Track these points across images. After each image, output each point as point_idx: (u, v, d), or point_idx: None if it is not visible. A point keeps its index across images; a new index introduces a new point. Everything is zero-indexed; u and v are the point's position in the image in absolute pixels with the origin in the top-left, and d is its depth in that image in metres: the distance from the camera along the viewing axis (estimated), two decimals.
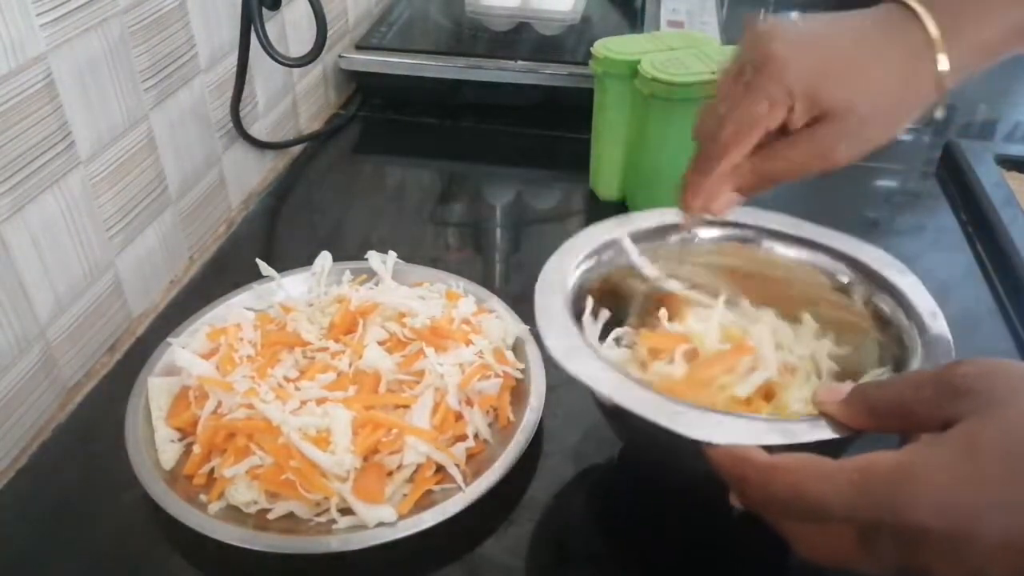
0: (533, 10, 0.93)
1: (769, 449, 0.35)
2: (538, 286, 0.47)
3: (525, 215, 0.81)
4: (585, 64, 0.74)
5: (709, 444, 0.36)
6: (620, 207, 0.77)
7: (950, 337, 0.44)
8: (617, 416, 0.39)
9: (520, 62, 0.89)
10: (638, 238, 0.53)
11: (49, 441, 0.54)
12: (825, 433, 0.37)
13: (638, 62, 0.68)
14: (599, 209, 0.78)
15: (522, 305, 0.59)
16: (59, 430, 0.55)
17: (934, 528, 0.30)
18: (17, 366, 0.53)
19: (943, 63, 0.42)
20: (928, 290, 0.47)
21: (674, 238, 0.53)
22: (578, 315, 0.48)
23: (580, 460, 0.53)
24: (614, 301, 0.52)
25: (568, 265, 0.50)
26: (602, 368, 0.41)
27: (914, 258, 0.50)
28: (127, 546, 0.48)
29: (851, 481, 0.31)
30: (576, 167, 0.80)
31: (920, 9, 0.42)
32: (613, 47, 0.71)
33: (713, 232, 0.53)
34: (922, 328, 0.45)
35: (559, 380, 0.53)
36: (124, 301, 0.63)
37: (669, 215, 0.53)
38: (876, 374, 0.46)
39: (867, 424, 0.36)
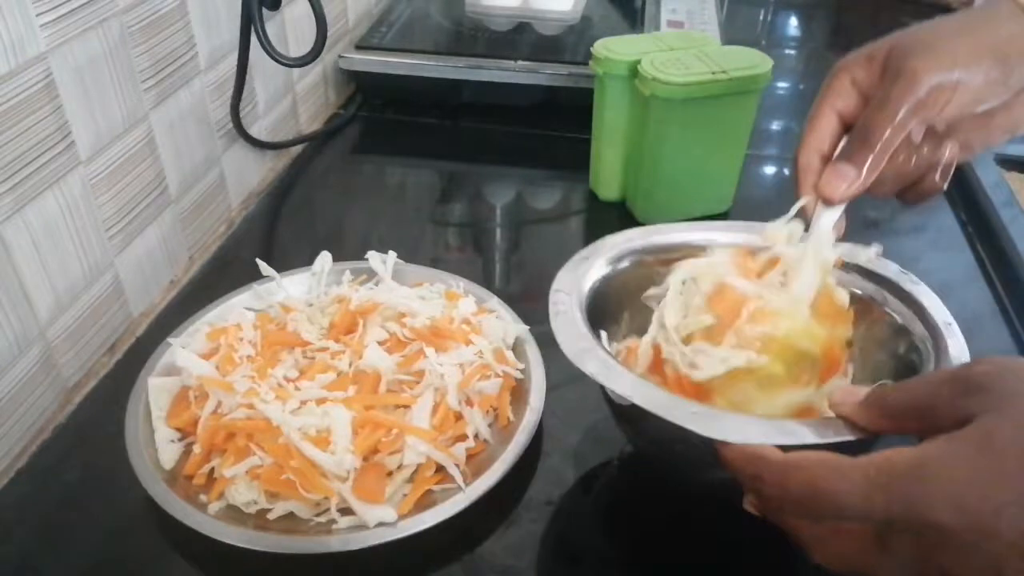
0: (533, 10, 0.93)
1: (785, 450, 0.35)
2: (552, 294, 0.47)
3: (525, 215, 0.81)
4: (585, 64, 0.74)
5: (724, 443, 0.36)
6: (620, 207, 0.78)
7: (965, 345, 0.43)
8: (630, 418, 0.39)
9: (520, 62, 0.89)
10: (658, 251, 0.53)
11: (49, 441, 0.54)
12: (842, 435, 0.37)
13: (638, 62, 0.68)
14: (599, 209, 0.78)
15: (522, 305, 0.59)
16: (59, 430, 0.55)
17: (951, 525, 0.29)
18: (17, 366, 0.53)
19: None
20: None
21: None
22: (592, 321, 0.48)
23: (580, 460, 0.53)
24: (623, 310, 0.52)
25: (584, 270, 0.50)
26: (617, 369, 0.41)
27: (914, 258, 0.50)
28: (127, 546, 0.48)
29: (867, 477, 0.31)
30: (576, 167, 0.80)
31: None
32: (613, 47, 0.71)
33: (726, 240, 0.53)
34: (937, 338, 0.45)
35: (559, 380, 0.53)
36: (124, 301, 0.63)
37: (685, 230, 0.53)
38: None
39: (884, 426, 0.36)
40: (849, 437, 0.36)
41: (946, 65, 0.42)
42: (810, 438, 0.36)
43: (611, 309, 0.51)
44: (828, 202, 0.45)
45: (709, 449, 0.37)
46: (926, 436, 0.33)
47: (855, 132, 0.44)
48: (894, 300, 0.48)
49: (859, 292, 0.50)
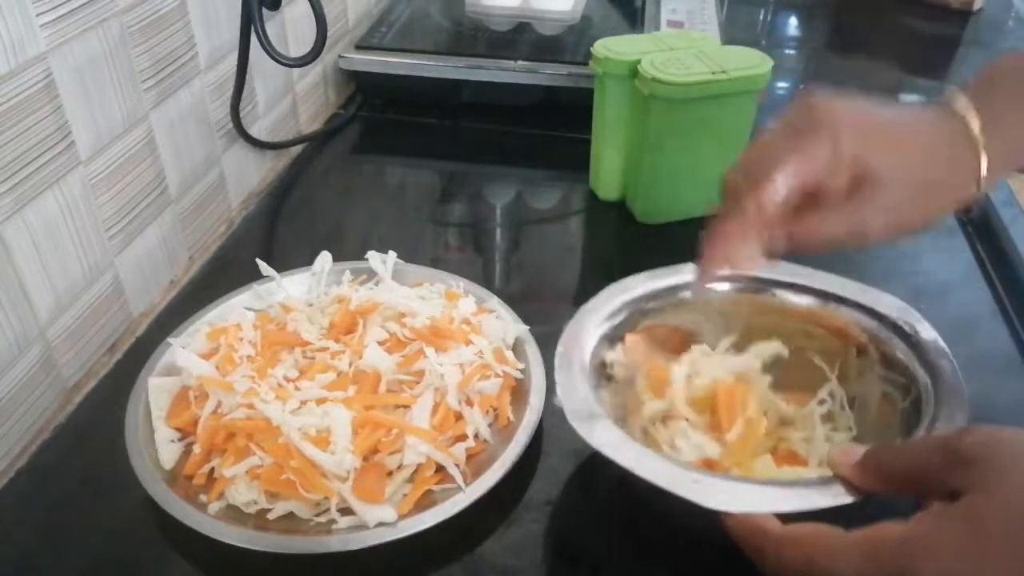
0: (533, 10, 0.93)
1: (784, 519, 0.37)
2: (558, 354, 0.48)
3: (525, 215, 0.81)
4: (585, 64, 0.74)
5: (727, 514, 0.38)
6: (620, 207, 0.78)
7: (964, 386, 0.44)
8: (634, 480, 0.40)
9: (520, 62, 0.89)
10: (653, 297, 0.53)
11: (49, 441, 0.54)
12: (840, 498, 0.38)
13: (638, 62, 0.68)
14: (599, 209, 0.78)
15: (522, 305, 0.59)
16: (59, 430, 0.55)
17: None
18: (17, 366, 0.53)
19: (983, 159, 0.43)
20: (931, 291, 0.47)
21: (686, 294, 0.53)
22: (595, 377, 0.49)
23: (580, 460, 0.53)
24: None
25: (588, 327, 0.50)
26: (620, 437, 0.42)
27: (914, 258, 0.50)
28: (127, 546, 0.48)
29: (861, 552, 0.33)
30: (576, 167, 0.80)
31: (965, 107, 0.43)
32: (613, 47, 0.71)
33: (725, 284, 0.54)
34: (936, 377, 0.46)
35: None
36: (124, 301, 0.63)
37: (682, 274, 0.54)
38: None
39: (879, 488, 0.38)
40: (846, 501, 0.38)
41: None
42: (809, 504, 0.38)
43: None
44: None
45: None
46: (920, 499, 0.35)
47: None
48: (898, 341, 0.49)
49: (862, 336, 0.50)
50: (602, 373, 0.50)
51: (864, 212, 0.42)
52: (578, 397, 0.45)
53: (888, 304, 0.50)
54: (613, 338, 0.51)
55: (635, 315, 0.53)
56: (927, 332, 0.48)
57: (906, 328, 0.49)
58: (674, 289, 0.54)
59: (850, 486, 0.38)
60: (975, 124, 0.43)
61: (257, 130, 0.79)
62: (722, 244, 0.44)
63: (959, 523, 0.32)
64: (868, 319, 0.50)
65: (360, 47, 0.92)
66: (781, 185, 0.41)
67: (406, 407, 0.50)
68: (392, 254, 0.62)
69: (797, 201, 0.42)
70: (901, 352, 0.48)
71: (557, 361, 0.47)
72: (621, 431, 0.43)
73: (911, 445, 0.39)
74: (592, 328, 0.51)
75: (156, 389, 0.52)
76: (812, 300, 0.53)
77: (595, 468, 0.52)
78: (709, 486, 0.39)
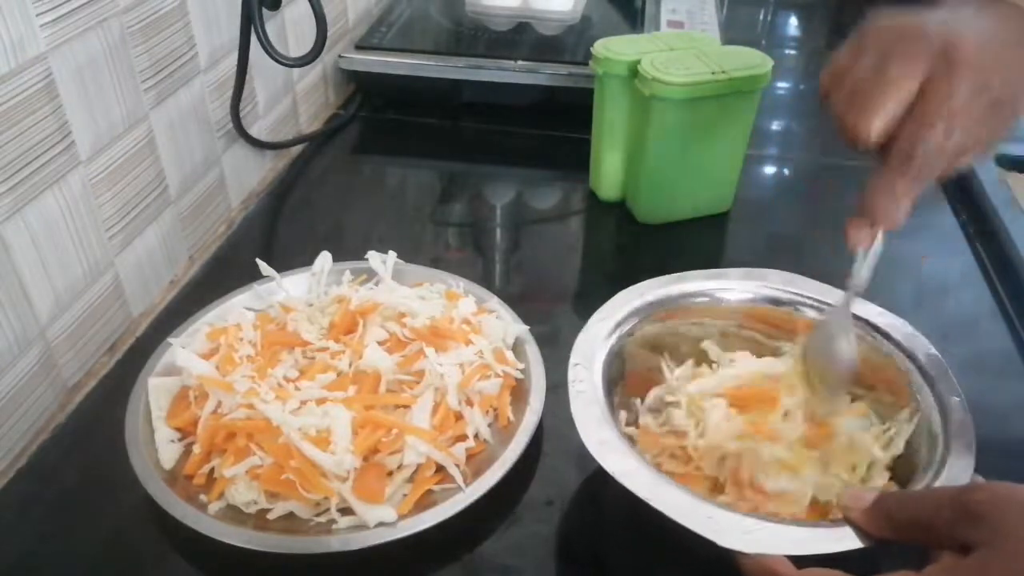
0: (533, 10, 0.93)
1: (798, 560, 0.38)
2: (571, 368, 0.48)
3: (525, 215, 0.81)
4: (585, 64, 0.74)
5: (741, 553, 0.39)
6: (620, 207, 0.78)
7: (970, 422, 0.45)
8: (647, 507, 0.41)
9: (520, 62, 0.89)
10: (665, 304, 0.54)
11: (49, 441, 0.54)
12: (852, 543, 0.39)
13: (638, 62, 0.68)
14: (599, 209, 0.78)
15: (522, 305, 0.59)
16: (59, 430, 0.55)
17: None
18: (17, 366, 0.53)
19: None
20: (931, 291, 0.47)
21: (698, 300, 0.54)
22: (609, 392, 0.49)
23: (580, 460, 0.53)
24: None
25: (597, 338, 0.50)
26: (636, 465, 0.42)
27: (914, 258, 0.50)
28: (127, 546, 0.48)
29: None
30: (576, 167, 0.80)
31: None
32: (613, 47, 0.71)
33: (744, 295, 0.54)
34: (945, 412, 0.46)
35: (559, 380, 0.53)
36: (124, 301, 0.63)
37: (683, 282, 0.54)
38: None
39: (889, 535, 0.39)
40: (857, 546, 0.39)
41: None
42: (821, 548, 0.39)
43: (629, 370, 0.53)
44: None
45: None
46: (927, 547, 0.37)
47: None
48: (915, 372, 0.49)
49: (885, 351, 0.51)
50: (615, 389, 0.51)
51: (982, 131, 0.41)
52: (594, 418, 0.45)
53: (899, 329, 0.51)
54: (622, 351, 0.52)
55: (644, 323, 0.53)
56: (938, 364, 0.49)
57: (921, 359, 0.49)
58: (686, 296, 0.54)
59: (860, 531, 0.39)
60: None
61: (257, 130, 0.79)
62: (887, 201, 0.42)
63: None
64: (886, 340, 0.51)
65: (360, 47, 0.92)
66: (952, 138, 0.40)
67: (406, 407, 0.50)
68: (392, 254, 0.62)
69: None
70: (913, 385, 0.49)
71: (572, 379, 0.47)
72: (638, 457, 0.43)
73: (921, 496, 0.40)
74: (604, 338, 0.50)
75: (156, 389, 0.52)
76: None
77: (595, 468, 0.52)
78: (723, 523, 0.40)
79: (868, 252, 0.44)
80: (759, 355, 0.53)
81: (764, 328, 0.54)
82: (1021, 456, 0.54)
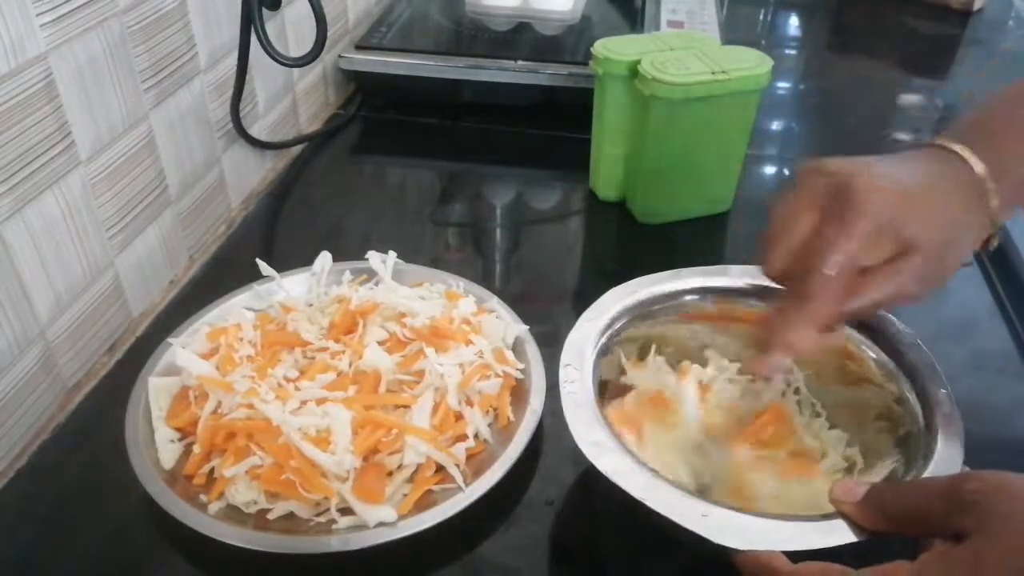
0: (533, 10, 0.93)
1: (792, 554, 0.38)
2: (562, 369, 0.48)
3: (525, 215, 0.81)
4: (585, 64, 0.74)
5: (737, 550, 0.38)
6: (620, 207, 0.78)
7: (958, 415, 0.45)
8: (642, 507, 0.41)
9: (520, 62, 0.89)
10: (653, 303, 0.53)
11: (49, 441, 0.54)
12: (845, 537, 0.39)
13: (638, 62, 0.68)
14: (599, 209, 0.78)
15: (522, 305, 0.59)
16: (59, 430, 0.55)
17: None
18: (17, 366, 0.53)
19: (994, 198, 0.43)
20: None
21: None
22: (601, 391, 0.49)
23: (580, 460, 0.52)
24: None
25: (588, 334, 0.50)
26: (631, 465, 0.42)
27: None
28: (127, 546, 0.48)
29: None
30: (576, 167, 0.80)
31: (963, 151, 0.44)
32: (613, 47, 0.71)
33: (734, 291, 0.54)
34: (932, 406, 0.46)
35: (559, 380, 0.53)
36: (124, 301, 0.63)
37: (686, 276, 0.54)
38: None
39: (882, 527, 0.39)
40: (851, 540, 0.39)
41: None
42: (816, 543, 0.39)
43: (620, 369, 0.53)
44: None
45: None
46: (920, 538, 0.37)
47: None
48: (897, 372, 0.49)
49: (872, 358, 0.51)
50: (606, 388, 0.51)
51: (902, 276, 0.42)
52: (586, 418, 0.45)
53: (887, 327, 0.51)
54: (611, 348, 0.52)
55: (635, 321, 0.53)
56: (925, 357, 0.49)
57: (907, 354, 0.49)
58: (675, 295, 0.54)
59: (853, 524, 0.39)
60: (978, 167, 0.43)
61: (257, 130, 0.79)
62: (784, 331, 0.43)
63: (963, 565, 0.33)
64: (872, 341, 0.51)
65: (360, 47, 0.92)
66: (836, 270, 0.41)
67: (406, 407, 0.50)
68: (392, 254, 0.62)
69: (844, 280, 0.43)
70: (903, 383, 0.49)
71: (564, 380, 0.47)
72: (632, 458, 0.43)
73: (913, 487, 0.40)
74: (594, 338, 0.50)
75: (156, 389, 0.52)
76: None
77: (595, 468, 0.52)
78: (718, 521, 0.40)
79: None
80: (748, 349, 0.53)
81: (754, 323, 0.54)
82: (1022, 456, 0.54)
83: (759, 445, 0.50)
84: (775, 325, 0.44)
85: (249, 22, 0.69)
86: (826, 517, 0.40)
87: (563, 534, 0.49)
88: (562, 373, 0.47)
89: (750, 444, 0.50)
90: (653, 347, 0.54)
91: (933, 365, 0.48)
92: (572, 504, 0.51)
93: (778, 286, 0.45)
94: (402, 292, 0.59)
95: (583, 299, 0.53)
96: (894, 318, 0.50)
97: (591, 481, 0.52)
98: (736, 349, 0.54)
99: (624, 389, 0.52)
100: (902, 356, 0.49)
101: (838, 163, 0.44)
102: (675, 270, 0.54)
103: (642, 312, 0.53)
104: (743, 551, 0.39)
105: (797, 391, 0.53)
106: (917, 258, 0.42)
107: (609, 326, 0.51)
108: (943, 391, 0.47)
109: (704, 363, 0.54)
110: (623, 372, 0.53)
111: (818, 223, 0.43)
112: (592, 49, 0.72)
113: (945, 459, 0.43)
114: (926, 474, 0.42)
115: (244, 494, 0.47)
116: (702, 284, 0.54)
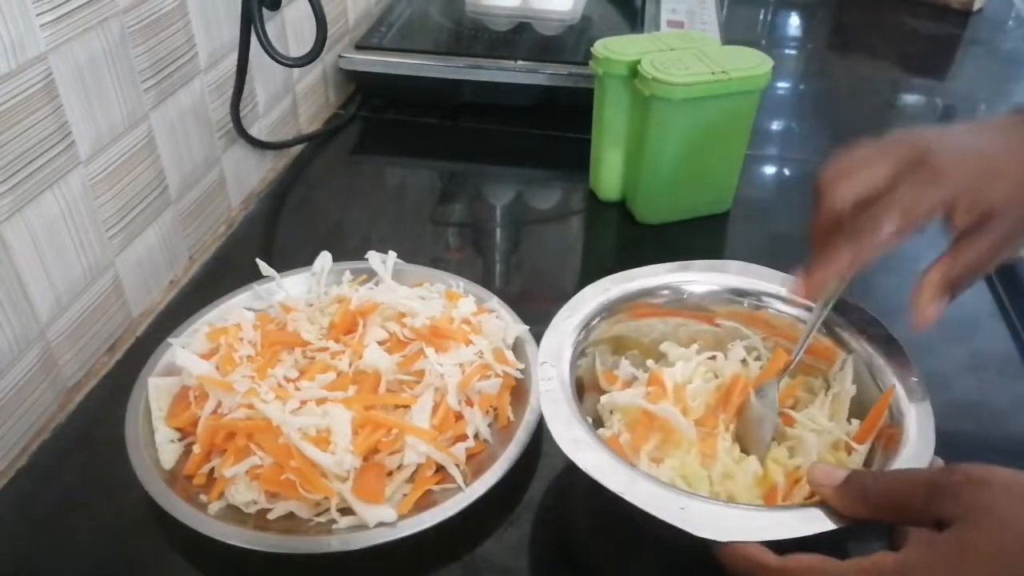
0: (533, 10, 0.93)
1: (775, 544, 0.38)
2: (539, 367, 0.48)
3: (525, 215, 0.81)
4: (585, 64, 0.74)
5: (723, 544, 0.38)
6: (620, 207, 0.78)
7: (928, 403, 0.46)
8: (623, 503, 0.41)
9: (520, 62, 0.89)
10: (633, 297, 0.54)
11: (49, 441, 0.54)
12: (825, 525, 0.39)
13: (638, 62, 0.68)
14: (599, 209, 0.78)
15: (522, 305, 0.59)
16: (59, 430, 0.55)
17: None
18: (17, 366, 0.53)
19: None
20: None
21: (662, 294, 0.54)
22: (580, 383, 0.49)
23: None
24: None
25: (565, 332, 0.50)
26: (609, 460, 0.42)
27: (914, 259, 0.50)
28: (127, 546, 0.48)
29: None
30: (576, 167, 0.80)
31: None
32: (613, 47, 0.71)
33: (707, 288, 0.54)
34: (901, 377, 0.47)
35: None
36: (124, 301, 0.63)
37: (662, 273, 0.54)
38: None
39: (862, 513, 0.39)
40: (832, 527, 0.39)
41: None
42: (792, 532, 0.39)
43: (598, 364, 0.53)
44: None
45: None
46: (900, 525, 0.37)
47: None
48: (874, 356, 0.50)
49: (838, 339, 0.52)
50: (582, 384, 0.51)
51: (991, 238, 0.44)
52: (564, 415, 0.45)
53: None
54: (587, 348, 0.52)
55: (608, 319, 0.53)
56: (895, 347, 0.49)
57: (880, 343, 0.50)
58: (647, 292, 0.54)
59: (833, 512, 0.39)
60: None
61: (257, 130, 0.79)
62: (826, 270, 0.46)
63: (949, 552, 0.34)
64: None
65: (360, 47, 0.92)
66: (896, 228, 0.43)
67: (406, 407, 0.50)
68: (392, 254, 0.62)
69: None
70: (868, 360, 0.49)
71: (541, 378, 0.47)
72: (610, 453, 0.43)
73: (895, 476, 0.40)
74: (570, 335, 0.50)
75: (156, 389, 0.52)
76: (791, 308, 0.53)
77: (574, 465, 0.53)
78: (696, 513, 0.39)
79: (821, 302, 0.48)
80: (716, 349, 0.54)
81: (725, 320, 0.54)
82: (1021, 456, 0.54)
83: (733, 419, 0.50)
84: (827, 250, 0.45)
85: (249, 22, 0.69)
86: (803, 506, 0.40)
87: (563, 534, 0.49)
88: (539, 371, 0.47)
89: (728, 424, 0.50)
90: (623, 358, 0.54)
91: (903, 351, 0.48)
92: (573, 504, 0.51)
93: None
94: (402, 292, 0.59)
95: None
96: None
97: (575, 479, 0.52)
98: (688, 332, 0.55)
99: (600, 388, 0.53)
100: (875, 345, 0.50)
101: (920, 133, 0.45)
102: (647, 267, 0.54)
103: (616, 309, 0.53)
104: (728, 545, 0.38)
105: (758, 357, 0.53)
106: (1004, 221, 0.43)
107: (585, 324, 0.51)
108: (914, 379, 0.47)
109: (659, 357, 0.54)
110: (600, 380, 0.53)
111: (892, 179, 0.44)
112: (592, 49, 0.72)
113: (914, 448, 0.43)
114: (897, 462, 0.42)
115: (244, 494, 0.47)
116: (677, 279, 0.54)
